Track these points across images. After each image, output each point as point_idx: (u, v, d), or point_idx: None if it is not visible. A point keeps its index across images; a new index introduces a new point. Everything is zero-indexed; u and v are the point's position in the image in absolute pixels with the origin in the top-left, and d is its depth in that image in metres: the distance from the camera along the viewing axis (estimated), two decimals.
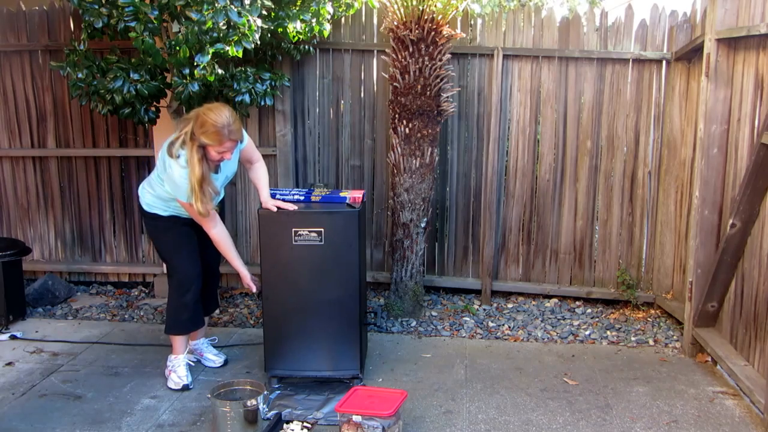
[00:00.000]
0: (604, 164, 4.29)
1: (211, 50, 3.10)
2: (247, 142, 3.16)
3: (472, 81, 4.32)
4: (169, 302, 3.23)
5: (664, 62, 4.14)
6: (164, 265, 4.42)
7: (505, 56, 4.22)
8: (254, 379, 3.07)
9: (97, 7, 3.20)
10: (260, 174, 3.21)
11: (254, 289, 3.18)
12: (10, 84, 4.55)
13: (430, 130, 3.94)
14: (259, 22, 3.22)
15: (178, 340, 3.24)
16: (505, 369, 3.45)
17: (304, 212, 3.08)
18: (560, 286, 4.43)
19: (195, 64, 3.15)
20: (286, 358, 3.19)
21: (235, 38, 3.12)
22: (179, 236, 3.15)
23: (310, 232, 3.04)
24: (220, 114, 2.76)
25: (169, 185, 2.94)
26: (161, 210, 3.12)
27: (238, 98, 3.68)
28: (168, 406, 3.03)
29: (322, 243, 3.04)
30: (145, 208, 3.14)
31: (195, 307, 3.21)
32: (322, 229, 3.03)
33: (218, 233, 3.06)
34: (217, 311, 4.10)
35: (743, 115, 3.22)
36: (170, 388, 3.19)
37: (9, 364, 3.48)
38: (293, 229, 3.03)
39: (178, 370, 3.22)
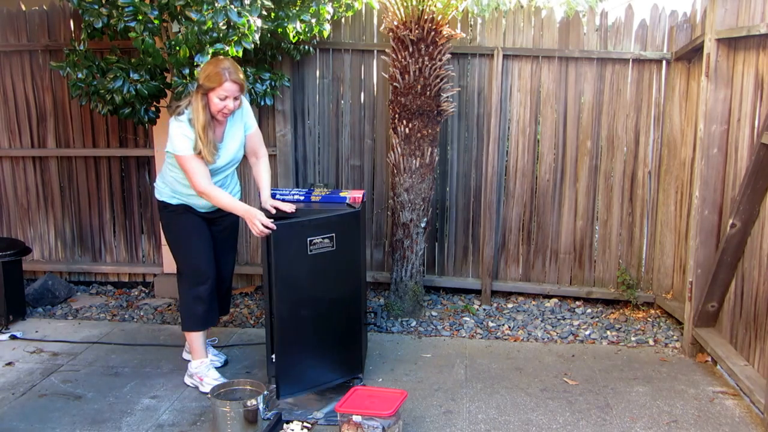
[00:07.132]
0: (604, 164, 4.29)
1: (210, 50, 3.10)
2: (255, 129, 3.16)
3: (472, 81, 4.32)
4: (182, 299, 3.13)
5: (664, 62, 4.14)
6: (168, 265, 4.43)
7: (505, 56, 4.22)
8: (254, 379, 3.06)
9: (97, 7, 3.20)
10: (263, 172, 3.18)
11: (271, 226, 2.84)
12: (10, 84, 4.55)
13: (430, 130, 3.94)
14: (258, 22, 3.23)
15: (197, 341, 3.13)
16: (505, 369, 3.45)
17: (305, 217, 3.02)
18: (560, 286, 4.43)
19: (195, 64, 3.15)
20: (297, 378, 3.01)
21: (235, 38, 3.12)
22: (190, 225, 3.08)
23: (323, 239, 2.94)
24: (221, 60, 2.90)
25: (170, 145, 2.87)
26: (168, 197, 3.09)
27: None
28: (168, 406, 3.03)
29: (334, 248, 2.96)
30: (156, 195, 3.14)
31: (211, 299, 3.09)
32: (334, 235, 2.95)
33: (213, 190, 2.92)
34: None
35: (743, 115, 3.22)
36: (204, 393, 3.08)
37: (9, 364, 3.48)
38: (308, 239, 2.89)
39: (209, 374, 3.12)
